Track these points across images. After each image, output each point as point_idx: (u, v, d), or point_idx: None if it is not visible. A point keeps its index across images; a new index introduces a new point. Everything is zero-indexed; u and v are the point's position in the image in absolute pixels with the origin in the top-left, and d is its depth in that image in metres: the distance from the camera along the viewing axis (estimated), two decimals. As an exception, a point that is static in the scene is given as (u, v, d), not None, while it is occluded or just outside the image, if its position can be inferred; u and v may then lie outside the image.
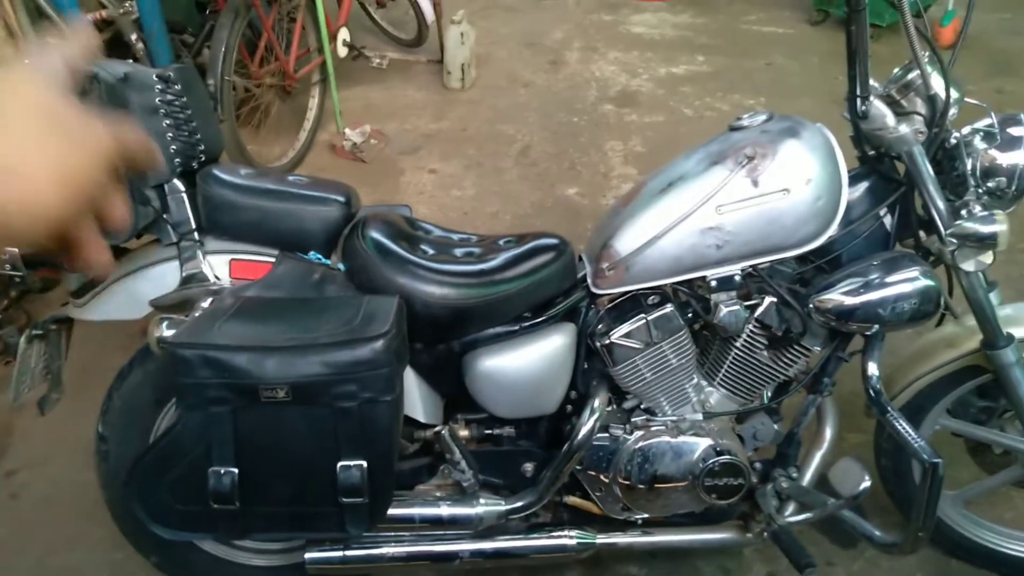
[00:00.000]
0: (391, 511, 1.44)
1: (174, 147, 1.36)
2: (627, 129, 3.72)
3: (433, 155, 3.61)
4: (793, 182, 1.30)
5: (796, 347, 1.41)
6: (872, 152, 1.41)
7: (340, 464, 1.16)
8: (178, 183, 1.38)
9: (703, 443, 1.44)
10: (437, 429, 1.43)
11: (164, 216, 1.38)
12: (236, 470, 1.15)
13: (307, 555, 1.44)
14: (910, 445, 1.31)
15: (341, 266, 1.42)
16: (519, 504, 1.47)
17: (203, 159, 1.42)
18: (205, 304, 1.35)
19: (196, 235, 1.40)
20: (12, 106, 0.38)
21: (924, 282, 1.29)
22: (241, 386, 1.12)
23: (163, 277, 1.41)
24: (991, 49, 4.30)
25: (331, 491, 1.17)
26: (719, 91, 4.01)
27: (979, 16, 1.50)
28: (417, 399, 1.44)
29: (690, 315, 1.44)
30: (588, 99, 4.02)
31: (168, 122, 1.34)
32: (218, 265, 1.41)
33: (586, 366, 1.50)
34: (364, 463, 1.17)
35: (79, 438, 1.75)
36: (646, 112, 3.87)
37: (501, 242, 1.53)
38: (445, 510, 1.46)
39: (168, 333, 1.29)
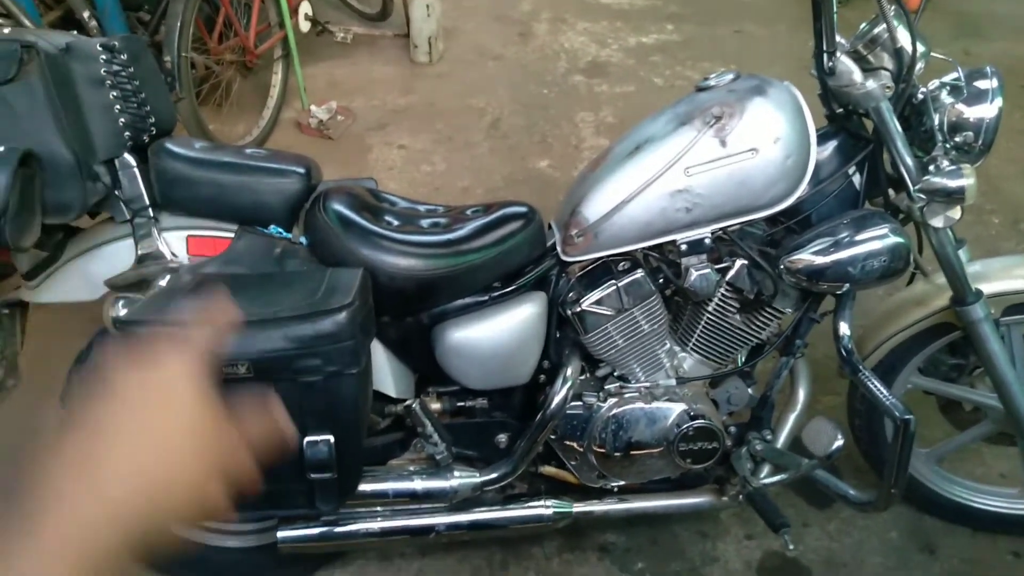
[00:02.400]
0: (364, 487, 1.42)
1: (123, 120, 1.30)
2: (598, 100, 3.69)
3: (402, 130, 3.55)
4: (761, 141, 1.28)
5: (768, 309, 1.40)
6: (840, 110, 1.40)
7: (307, 440, 1.14)
8: (129, 158, 1.33)
9: (677, 408, 1.43)
10: (408, 403, 1.40)
11: (116, 192, 1.33)
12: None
13: (279, 534, 1.42)
14: (882, 403, 1.31)
15: (303, 240, 1.38)
16: (494, 475, 1.45)
17: (154, 133, 1.37)
18: (162, 282, 1.31)
19: (150, 211, 1.35)
20: (169, 417, 0.42)
21: (893, 239, 1.29)
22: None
23: (118, 256, 1.37)
24: (958, 11, 4.31)
25: (299, 467, 1.14)
26: (689, 60, 3.98)
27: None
28: (387, 373, 1.42)
29: (661, 280, 1.42)
30: (558, 71, 3.97)
31: (115, 94, 1.29)
32: (174, 242, 1.36)
33: (558, 335, 1.48)
34: (331, 438, 1.14)
35: (44, 427, 1.70)
36: (616, 82, 3.83)
37: (469, 211, 1.50)
38: (419, 484, 1.44)
39: (124, 312, 1.25)
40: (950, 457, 1.72)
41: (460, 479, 1.44)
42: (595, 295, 1.38)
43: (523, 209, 1.45)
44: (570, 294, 1.43)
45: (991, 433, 1.59)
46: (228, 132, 3.35)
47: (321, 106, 3.57)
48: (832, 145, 1.39)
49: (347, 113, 3.64)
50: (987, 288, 1.40)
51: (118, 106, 1.29)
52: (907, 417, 1.28)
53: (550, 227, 1.50)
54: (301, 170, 1.38)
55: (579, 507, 1.54)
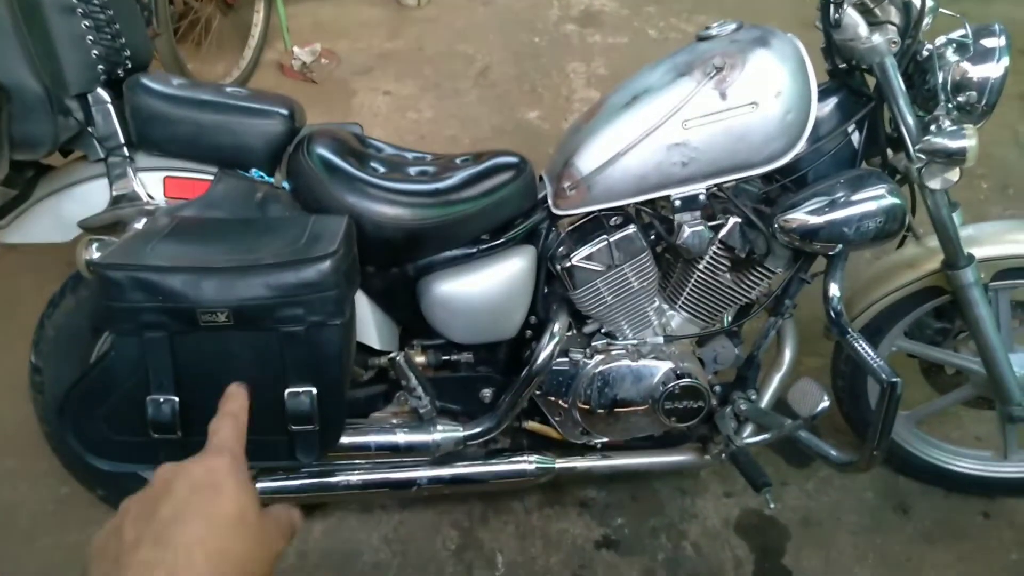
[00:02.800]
0: (346, 439, 1.40)
1: (95, 52, 1.23)
2: (590, 50, 3.60)
3: (388, 76, 3.45)
4: (762, 95, 1.24)
5: (759, 269, 1.39)
6: (843, 65, 1.36)
7: (288, 391, 1.11)
8: (103, 93, 1.26)
9: (663, 366, 1.42)
10: (392, 355, 1.38)
11: (89, 129, 1.27)
12: (176, 399, 1.08)
13: (259, 484, 1.40)
14: (869, 365, 1.31)
15: (285, 184, 1.33)
16: (477, 430, 1.44)
17: (130, 67, 1.30)
18: (138, 225, 1.26)
19: (125, 150, 1.29)
20: (234, 529, 0.44)
21: (890, 200, 1.26)
22: (177, 310, 1.05)
23: (91, 196, 1.31)
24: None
25: (280, 419, 1.11)
26: (685, 12, 3.89)
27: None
28: (371, 325, 1.39)
29: (653, 237, 1.39)
30: (550, 19, 3.86)
31: (87, 23, 1.22)
32: (151, 183, 1.31)
33: (546, 290, 1.46)
34: (313, 390, 1.11)
35: (15, 371, 1.66)
36: (609, 33, 3.74)
37: (458, 160, 1.45)
38: (401, 437, 1.42)
39: (98, 255, 1.20)
40: (928, 420, 1.73)
41: (443, 433, 1.43)
42: (585, 250, 1.35)
43: (514, 159, 1.41)
44: (560, 248, 1.40)
45: (971, 397, 1.60)
46: (207, 72, 3.24)
47: (304, 48, 3.46)
48: (832, 102, 1.35)
49: (331, 56, 3.53)
50: (979, 252, 1.38)
51: (90, 36, 1.22)
52: (894, 380, 1.28)
53: (541, 179, 1.46)
54: (284, 111, 1.32)
55: (561, 463, 1.54)
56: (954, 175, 1.26)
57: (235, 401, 0.53)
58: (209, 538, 0.42)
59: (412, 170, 1.40)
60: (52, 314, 1.42)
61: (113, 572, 0.41)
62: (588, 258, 1.36)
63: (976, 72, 1.25)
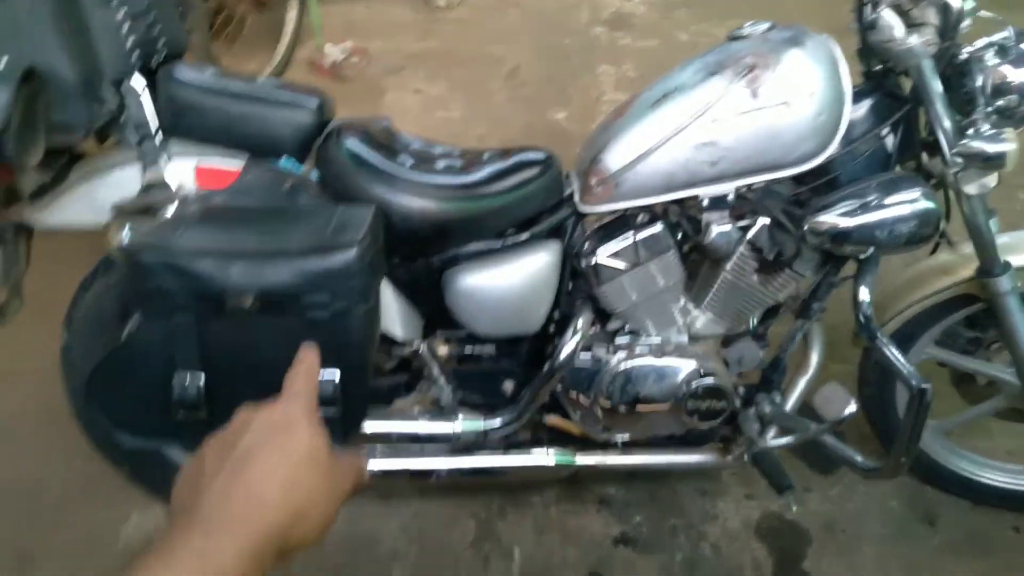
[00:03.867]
0: (368, 426, 1.41)
1: (131, 40, 1.26)
2: (619, 53, 3.60)
3: (418, 75, 3.47)
4: (794, 95, 1.23)
5: (787, 271, 1.37)
6: (878, 67, 1.34)
7: (312, 377, 1.12)
8: (137, 81, 1.28)
9: (687, 366, 1.41)
10: (415, 346, 1.38)
11: (123, 116, 1.29)
12: (202, 379, 1.10)
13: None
14: (899, 371, 1.29)
15: (314, 175, 1.35)
16: (498, 422, 1.44)
17: (164, 56, 1.33)
18: (169, 210, 1.28)
19: (159, 138, 1.31)
20: (306, 463, 0.47)
21: (924, 204, 1.24)
22: (205, 293, 1.06)
23: (124, 182, 1.33)
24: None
25: (303, 404, 1.12)
26: (716, 16, 3.86)
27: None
28: (395, 315, 1.39)
29: (680, 236, 1.38)
30: (580, 21, 3.87)
31: (123, 11, 1.24)
32: (183, 171, 1.33)
33: (570, 286, 1.46)
34: (337, 375, 1.12)
35: (47, 352, 1.70)
36: (639, 36, 3.73)
37: (485, 155, 1.45)
38: (423, 426, 1.43)
39: (129, 239, 1.22)
40: (957, 430, 1.70)
41: (464, 424, 1.43)
42: (611, 247, 1.35)
43: (541, 155, 1.41)
44: (585, 245, 1.40)
45: (1002, 408, 1.57)
46: (240, 69, 3.28)
47: (336, 46, 3.50)
48: (867, 104, 1.33)
49: (363, 55, 3.56)
50: (1015, 260, 1.36)
51: (127, 25, 1.24)
52: (924, 386, 1.26)
53: (568, 176, 1.46)
54: (314, 103, 1.33)
55: (581, 458, 1.53)
56: (991, 180, 1.24)
57: (308, 357, 0.57)
58: (283, 468, 0.46)
59: (440, 164, 1.41)
60: (83, 296, 1.45)
61: (194, 500, 0.44)
62: (614, 255, 1.35)
63: (1017, 76, 1.22)
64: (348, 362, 1.13)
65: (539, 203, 1.40)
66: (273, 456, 0.46)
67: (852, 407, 1.29)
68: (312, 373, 0.55)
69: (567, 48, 3.64)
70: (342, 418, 1.15)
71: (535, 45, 3.66)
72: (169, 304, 1.07)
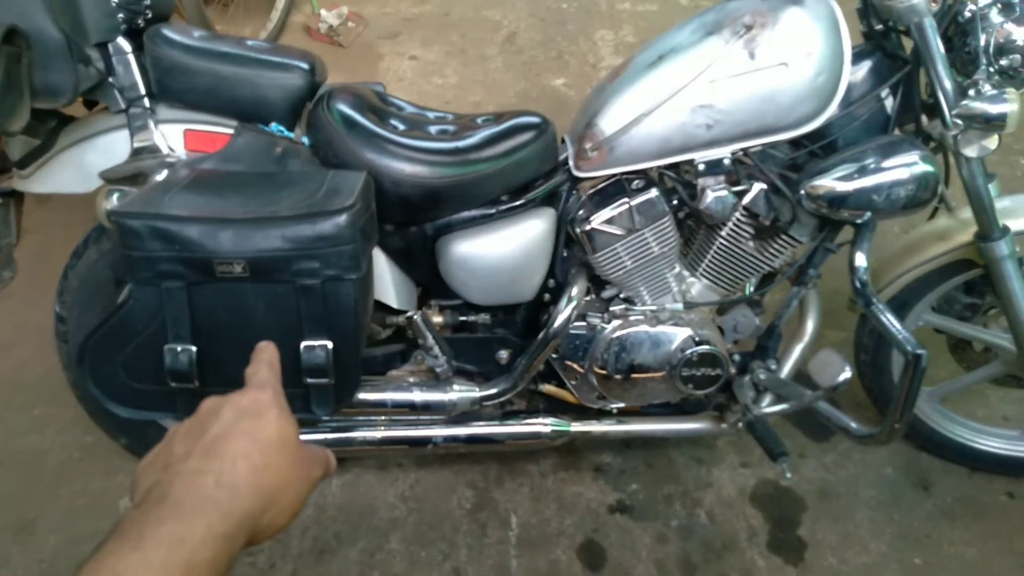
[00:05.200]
0: (363, 396, 1.41)
1: (116, 1, 1.23)
2: (618, 18, 3.53)
3: (414, 40, 3.42)
4: (793, 55, 1.21)
5: (783, 237, 1.35)
6: (879, 27, 1.31)
7: (304, 344, 1.11)
8: (123, 42, 1.26)
9: (682, 333, 1.40)
10: (409, 314, 1.38)
11: (110, 79, 1.27)
12: (194, 348, 1.09)
13: (275, 438, 1.41)
14: (895, 337, 1.28)
15: (305, 140, 1.33)
16: (493, 391, 1.44)
17: (150, 16, 1.30)
18: (158, 176, 1.26)
19: (146, 102, 1.29)
20: (276, 448, 0.47)
21: (923, 167, 1.22)
22: (194, 260, 1.05)
23: (113, 147, 1.32)
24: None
25: (295, 371, 1.12)
26: (718, -21, 3.79)
27: None
28: (389, 284, 1.38)
29: (675, 201, 1.37)
30: (579, -16, 3.79)
31: (108, -30, 1.21)
32: (172, 135, 1.31)
33: (565, 253, 1.44)
34: (329, 344, 1.11)
35: (43, 322, 1.69)
36: (639, 0, 3.66)
37: (479, 120, 1.43)
38: (418, 395, 1.42)
39: (117, 205, 1.21)
40: (953, 397, 1.70)
41: (459, 392, 1.43)
42: (606, 213, 1.33)
43: (536, 120, 1.39)
44: (580, 211, 1.38)
45: (999, 374, 1.56)
46: (234, 34, 3.22)
47: (332, 11, 3.44)
48: (867, 65, 1.31)
49: (358, 19, 3.51)
50: (1014, 225, 1.34)
51: (112, -16, 1.21)
52: (919, 352, 1.25)
53: (563, 141, 1.44)
54: (305, 66, 1.31)
55: (577, 426, 1.53)
56: (992, 143, 1.22)
57: (267, 351, 0.57)
58: (254, 453, 0.46)
59: (432, 128, 1.39)
60: (75, 265, 1.44)
61: (163, 479, 0.44)
62: (608, 222, 1.34)
63: (1021, 34, 1.19)
64: (340, 330, 1.12)
65: (533, 169, 1.38)
66: (243, 441, 0.46)
67: (847, 373, 1.28)
68: (274, 364, 0.55)
69: (565, 13, 3.58)
70: (335, 387, 1.15)
71: (532, 10, 3.60)
72: (158, 271, 1.06)
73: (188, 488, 0.43)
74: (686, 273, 1.44)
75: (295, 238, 1.06)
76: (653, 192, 1.33)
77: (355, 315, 1.12)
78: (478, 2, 3.66)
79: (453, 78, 3.15)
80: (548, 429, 1.51)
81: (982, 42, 1.19)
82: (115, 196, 1.26)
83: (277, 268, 1.07)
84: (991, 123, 1.17)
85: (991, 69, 1.20)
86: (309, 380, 1.13)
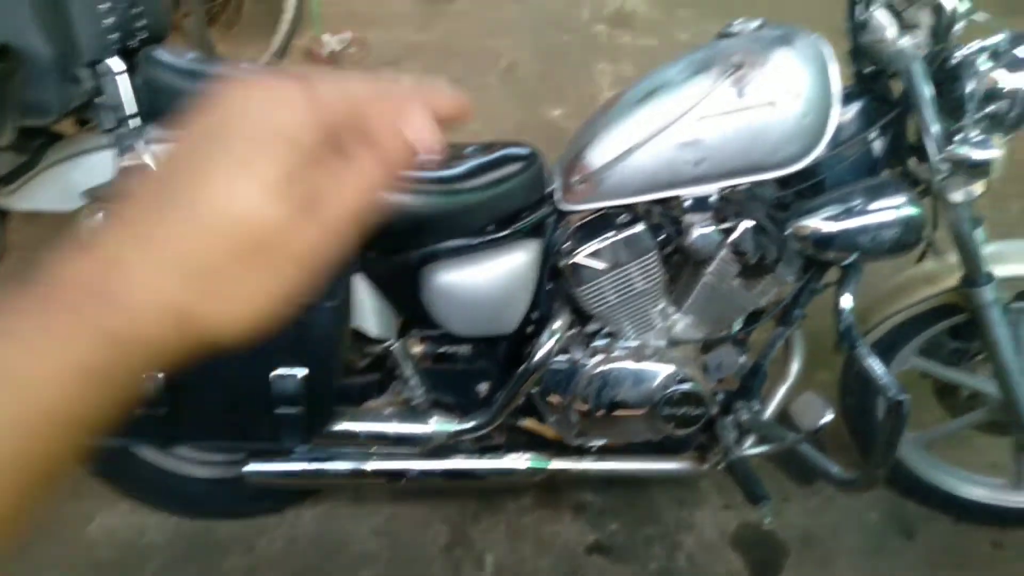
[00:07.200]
0: (338, 426, 1.38)
1: (109, 20, 1.23)
2: (618, 51, 3.57)
3: (415, 68, 3.45)
4: (780, 95, 1.20)
5: (769, 276, 1.34)
6: (869, 69, 1.31)
7: (275, 373, 1.09)
8: (115, 62, 1.25)
9: (665, 370, 1.38)
10: (388, 344, 1.36)
11: (99, 99, 1.26)
12: (161, 373, 1.07)
13: (245, 467, 1.38)
14: (877, 381, 1.26)
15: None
16: (471, 424, 1.42)
17: (145, 39, 1.30)
18: (141, 196, 1.25)
19: (136, 122, 1.29)
20: (232, 216, 0.30)
21: (909, 210, 1.22)
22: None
23: (99, 166, 1.31)
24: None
25: (265, 400, 1.10)
26: (717, 16, 3.81)
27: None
28: (370, 312, 1.37)
29: (661, 237, 1.36)
30: (581, 18, 3.84)
31: (101, -9, 1.21)
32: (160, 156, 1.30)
33: (549, 286, 1.43)
34: (301, 372, 1.10)
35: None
36: (640, 35, 3.70)
37: (467, 150, 1.43)
38: (394, 427, 1.40)
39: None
40: (939, 443, 1.67)
41: (436, 425, 1.41)
42: (591, 247, 1.32)
43: (524, 151, 1.39)
44: (565, 244, 1.37)
45: (985, 421, 1.54)
46: (236, 55, 3.26)
47: (335, 36, 3.47)
48: (856, 106, 1.31)
49: (361, 45, 3.54)
50: (1000, 271, 1.33)
51: (106, 4, 1.22)
52: (901, 397, 1.24)
53: (551, 173, 1.43)
54: (294, 90, 1.31)
55: (556, 463, 1.50)
56: (977, 188, 1.22)
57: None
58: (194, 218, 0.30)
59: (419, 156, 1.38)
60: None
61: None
62: (593, 255, 1.33)
63: (1009, 81, 1.19)
64: (315, 359, 1.11)
65: (520, 200, 1.37)
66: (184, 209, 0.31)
67: (828, 416, 1.26)
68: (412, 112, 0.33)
69: (566, 45, 3.62)
70: (307, 417, 1.13)
71: (534, 41, 3.63)
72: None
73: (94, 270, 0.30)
74: (671, 309, 1.42)
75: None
76: (639, 227, 1.32)
77: (329, 344, 1.11)
78: (481, 31, 3.70)
79: (452, 106, 3.17)
80: (526, 465, 1.48)
81: (969, 88, 1.20)
82: (98, 216, 1.25)
83: (251, 293, 1.06)
84: (975, 169, 1.16)
85: (978, 115, 1.20)
86: (279, 410, 1.11)
